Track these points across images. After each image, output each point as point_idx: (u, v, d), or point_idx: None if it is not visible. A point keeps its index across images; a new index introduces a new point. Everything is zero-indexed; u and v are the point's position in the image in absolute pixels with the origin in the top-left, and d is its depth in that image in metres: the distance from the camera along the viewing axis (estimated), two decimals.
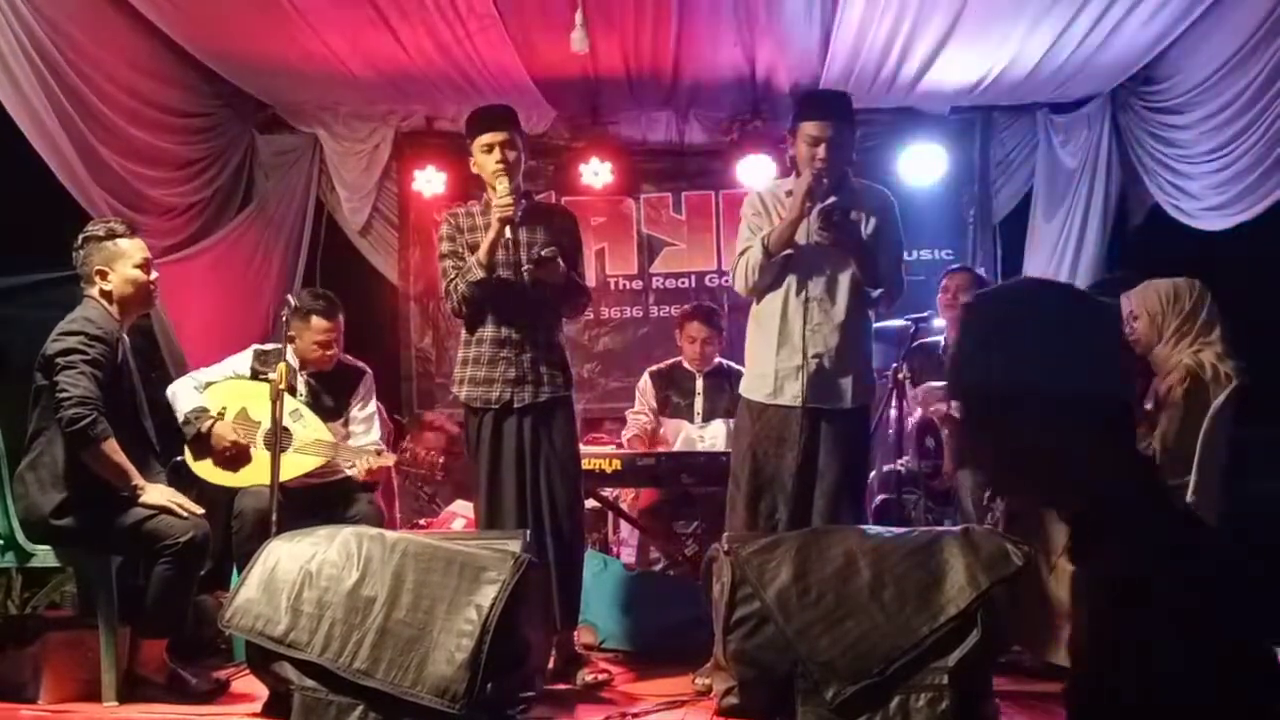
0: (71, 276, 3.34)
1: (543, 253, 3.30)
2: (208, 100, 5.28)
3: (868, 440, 3.45)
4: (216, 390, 3.79)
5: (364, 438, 3.93)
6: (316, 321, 3.85)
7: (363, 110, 5.74)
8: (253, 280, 5.56)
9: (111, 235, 3.28)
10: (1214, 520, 3.22)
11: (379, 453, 3.84)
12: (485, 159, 3.37)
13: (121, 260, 3.27)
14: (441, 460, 3.98)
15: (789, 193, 3.26)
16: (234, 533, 3.57)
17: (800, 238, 3.23)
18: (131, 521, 3.12)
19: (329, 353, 3.90)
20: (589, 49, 4.82)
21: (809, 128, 3.22)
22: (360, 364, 4.08)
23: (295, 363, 3.82)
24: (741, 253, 3.32)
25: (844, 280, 3.26)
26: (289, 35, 4.73)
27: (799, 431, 3.22)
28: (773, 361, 3.27)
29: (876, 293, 3.27)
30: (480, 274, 3.32)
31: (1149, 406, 3.32)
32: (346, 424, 3.96)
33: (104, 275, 3.25)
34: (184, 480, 3.50)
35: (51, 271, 3.80)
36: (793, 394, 3.23)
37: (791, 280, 3.27)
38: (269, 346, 3.99)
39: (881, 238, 3.30)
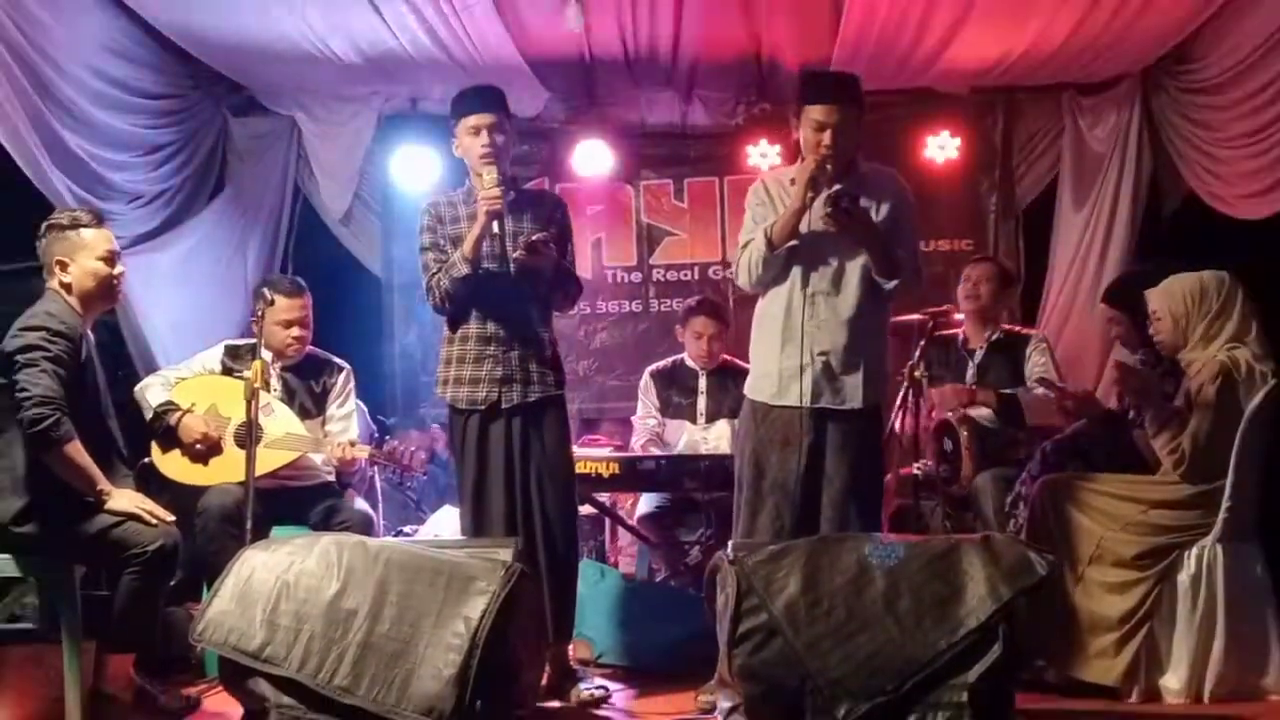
0: (35, 268, 3.35)
1: (533, 238, 3.30)
2: (178, 81, 5.27)
3: (879, 443, 3.44)
4: (186, 386, 3.84)
5: (342, 436, 3.95)
6: (281, 301, 3.86)
7: (343, 91, 5.73)
8: (226, 273, 5.55)
9: (75, 225, 3.28)
10: (1252, 526, 3.26)
11: (353, 443, 3.86)
12: (471, 142, 3.38)
13: (83, 252, 3.26)
14: (424, 455, 3.99)
15: (794, 180, 3.26)
16: (196, 532, 3.58)
17: (804, 228, 3.23)
18: (97, 529, 3.13)
19: (298, 334, 3.91)
20: (584, 26, 4.85)
21: (814, 112, 3.22)
22: (338, 360, 4.11)
23: (268, 356, 3.84)
24: (744, 245, 3.33)
25: (852, 272, 3.25)
26: (265, 13, 4.73)
27: (804, 434, 3.22)
28: (777, 360, 3.27)
29: (891, 284, 3.25)
30: (465, 269, 3.32)
31: (1179, 404, 3.32)
32: (325, 424, 3.98)
33: (64, 267, 3.26)
34: (152, 485, 3.51)
35: (12, 263, 3.82)
36: (797, 394, 3.23)
37: (796, 273, 3.27)
38: (241, 341, 4.04)
39: (894, 225, 3.29)
